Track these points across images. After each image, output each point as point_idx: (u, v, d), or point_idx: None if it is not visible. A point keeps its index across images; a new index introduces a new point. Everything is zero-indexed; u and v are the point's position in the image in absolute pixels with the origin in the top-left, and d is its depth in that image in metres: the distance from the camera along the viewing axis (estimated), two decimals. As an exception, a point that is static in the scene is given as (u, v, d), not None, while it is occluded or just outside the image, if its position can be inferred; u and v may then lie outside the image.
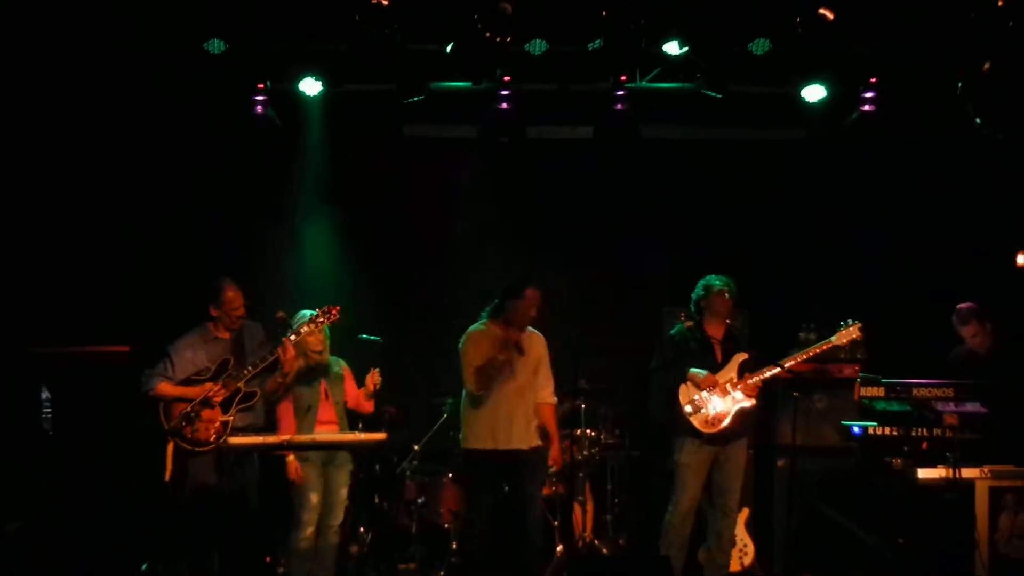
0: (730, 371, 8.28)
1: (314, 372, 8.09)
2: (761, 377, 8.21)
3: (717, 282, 8.36)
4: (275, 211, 10.07)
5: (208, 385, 7.86)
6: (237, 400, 7.86)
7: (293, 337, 7.85)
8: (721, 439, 8.22)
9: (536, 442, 8.08)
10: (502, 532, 8.18)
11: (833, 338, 8.32)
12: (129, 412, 8.56)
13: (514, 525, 8.09)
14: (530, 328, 8.16)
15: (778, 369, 8.18)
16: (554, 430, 8.15)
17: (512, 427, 8.01)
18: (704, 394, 8.19)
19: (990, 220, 9.76)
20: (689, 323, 8.48)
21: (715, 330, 8.37)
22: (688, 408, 8.21)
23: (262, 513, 8.08)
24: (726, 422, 8.19)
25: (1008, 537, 8.04)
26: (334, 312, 7.93)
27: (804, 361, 8.34)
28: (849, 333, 8.30)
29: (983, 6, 8.45)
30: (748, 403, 8.22)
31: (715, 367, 8.30)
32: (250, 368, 7.85)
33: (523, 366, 8.08)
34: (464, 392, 8.14)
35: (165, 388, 7.89)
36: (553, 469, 8.20)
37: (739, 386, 8.23)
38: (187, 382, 7.90)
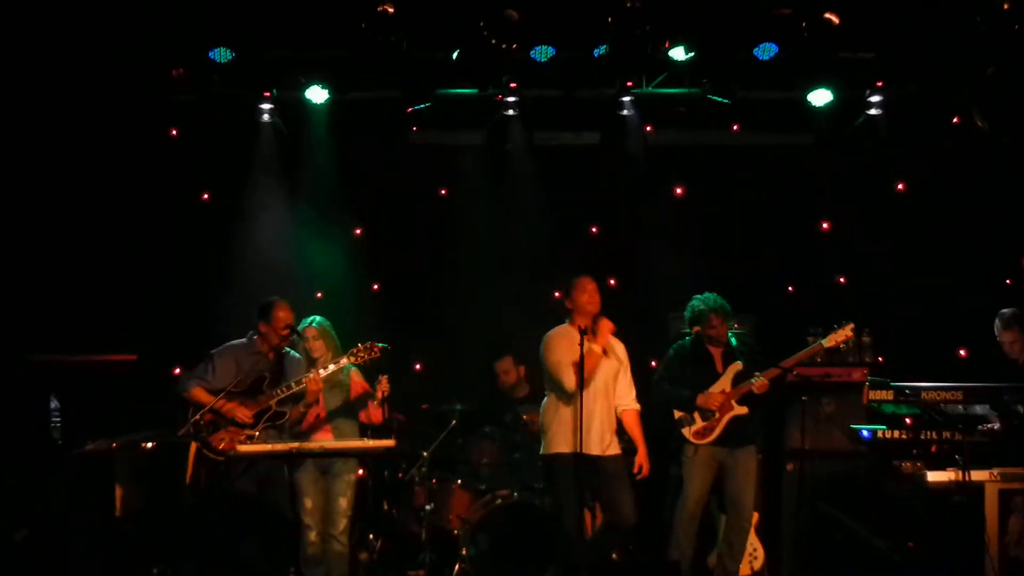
0: (725, 382, 8.32)
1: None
2: (740, 392, 8.22)
3: (702, 305, 8.37)
4: (282, 219, 10.06)
5: (238, 403, 7.89)
6: (266, 417, 7.89)
7: (323, 372, 7.87)
8: (725, 442, 8.24)
9: (614, 450, 7.99)
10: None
11: (823, 340, 8.28)
12: (136, 419, 8.61)
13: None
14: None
15: (755, 381, 8.16)
16: (639, 436, 8.06)
17: (591, 432, 7.86)
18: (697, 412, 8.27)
19: (997, 223, 9.75)
20: (697, 328, 8.45)
21: (717, 338, 8.39)
22: (680, 421, 8.29)
23: (292, 523, 8.12)
24: (717, 431, 8.24)
25: (1018, 540, 8.02)
26: (376, 350, 7.92)
27: (795, 366, 8.27)
28: (840, 335, 8.25)
29: (989, 10, 8.47)
30: (740, 411, 8.24)
31: (715, 377, 8.34)
32: (281, 391, 7.88)
33: (601, 370, 7.97)
34: (547, 397, 8.05)
35: (199, 394, 7.96)
36: (640, 475, 8.08)
37: (731, 396, 8.25)
38: (221, 392, 7.90)
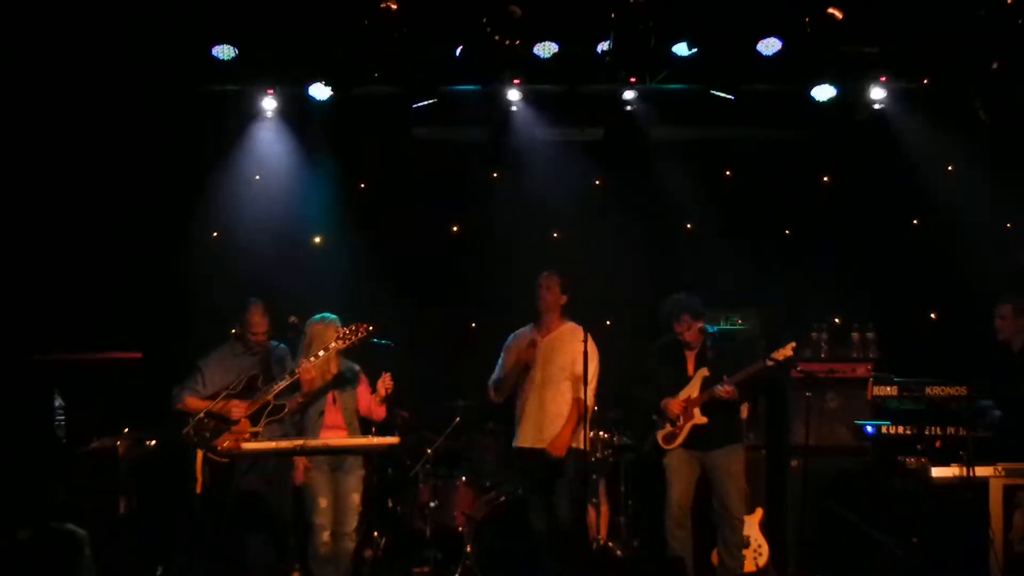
0: (693, 387, 8.25)
1: (322, 378, 8.10)
2: (703, 400, 8.15)
3: (671, 306, 8.30)
4: (286, 216, 10.06)
5: (235, 401, 7.90)
6: (267, 413, 7.89)
7: (313, 360, 7.86)
8: (693, 446, 8.19)
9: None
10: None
11: (767, 359, 8.09)
12: (142, 418, 8.62)
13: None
14: (572, 323, 8.17)
15: (720, 388, 8.07)
16: (568, 421, 8.05)
17: (527, 426, 8.05)
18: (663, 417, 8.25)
19: (1003, 218, 9.74)
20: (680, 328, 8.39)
21: (690, 341, 8.33)
22: (654, 424, 8.28)
23: (297, 521, 8.14)
24: (680, 437, 8.18)
25: (1022, 535, 8.01)
26: (363, 330, 7.90)
27: (741, 380, 8.08)
28: (780, 353, 8.07)
29: (992, 4, 8.45)
30: (699, 421, 8.15)
31: (684, 380, 8.27)
32: (276, 384, 7.88)
33: (543, 364, 8.06)
34: None
35: (193, 402, 7.96)
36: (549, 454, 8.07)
37: (693, 404, 8.18)
38: (215, 396, 7.93)
